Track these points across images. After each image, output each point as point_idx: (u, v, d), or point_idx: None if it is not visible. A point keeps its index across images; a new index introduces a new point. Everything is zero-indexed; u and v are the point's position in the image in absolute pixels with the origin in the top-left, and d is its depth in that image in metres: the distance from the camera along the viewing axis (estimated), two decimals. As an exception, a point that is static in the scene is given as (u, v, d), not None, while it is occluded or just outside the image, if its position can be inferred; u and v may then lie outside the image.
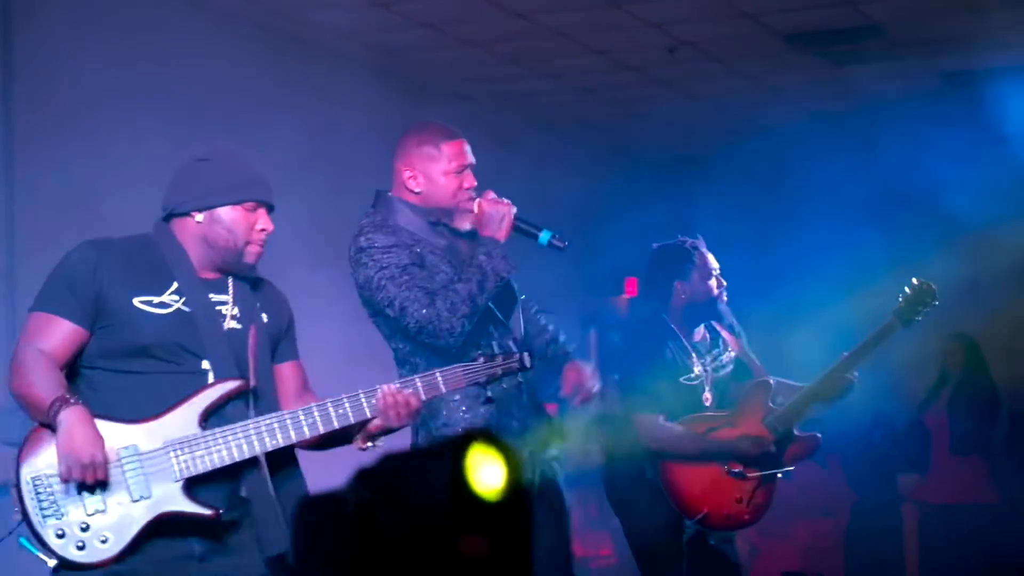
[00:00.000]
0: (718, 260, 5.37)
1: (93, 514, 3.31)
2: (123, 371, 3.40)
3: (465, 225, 4.22)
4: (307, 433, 3.44)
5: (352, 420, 3.48)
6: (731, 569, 5.29)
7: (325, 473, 1.60)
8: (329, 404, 3.47)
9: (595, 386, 4.32)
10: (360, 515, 1.34)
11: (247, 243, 3.49)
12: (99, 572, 3.33)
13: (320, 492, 1.40)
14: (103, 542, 3.31)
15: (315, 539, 1.39)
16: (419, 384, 3.56)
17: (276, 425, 3.42)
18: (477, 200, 4.21)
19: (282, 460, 3.54)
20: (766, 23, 7.25)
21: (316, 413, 3.45)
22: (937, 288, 5.19)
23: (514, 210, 4.19)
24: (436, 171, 4.19)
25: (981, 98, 7.38)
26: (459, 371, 3.64)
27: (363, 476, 1.41)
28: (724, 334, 5.38)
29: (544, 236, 4.20)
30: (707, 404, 5.26)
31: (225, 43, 6.92)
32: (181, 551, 3.40)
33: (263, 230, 3.51)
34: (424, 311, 4.03)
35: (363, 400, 3.49)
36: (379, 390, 3.50)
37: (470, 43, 7.48)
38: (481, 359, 3.67)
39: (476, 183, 4.23)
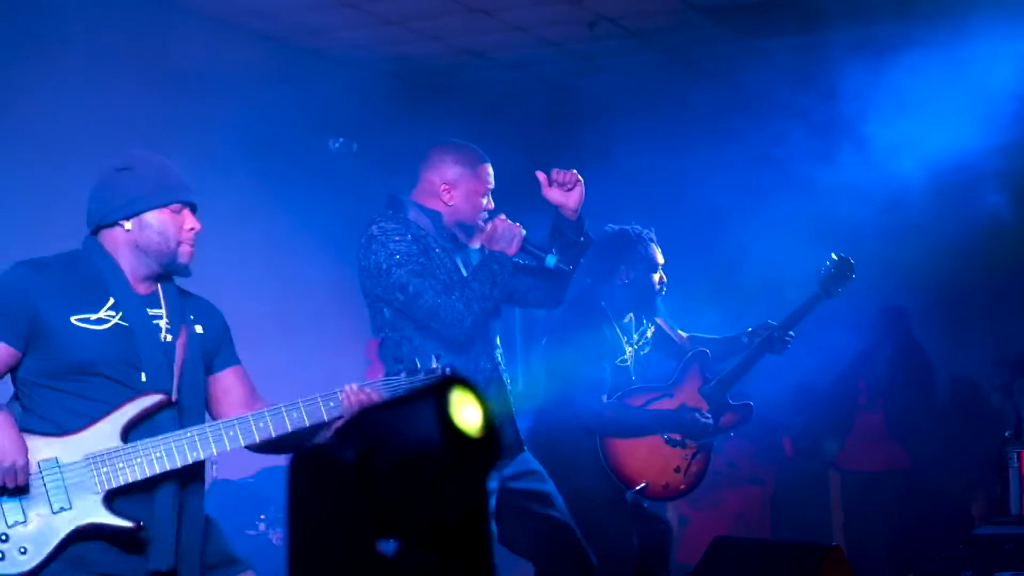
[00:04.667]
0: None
1: (13, 525, 3.32)
2: (67, 391, 3.42)
3: (475, 243, 4.61)
4: (228, 446, 3.46)
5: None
6: (663, 529, 5.45)
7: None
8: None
9: None
10: (359, 464, 1.36)
11: (179, 243, 3.54)
12: None
13: (316, 447, 1.41)
14: (22, 553, 3.31)
15: (318, 494, 1.40)
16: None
17: (196, 437, 3.44)
18: (492, 220, 4.59)
19: (191, 481, 3.56)
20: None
21: (258, 420, 3.51)
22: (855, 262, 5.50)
23: (524, 232, 4.53)
24: (470, 190, 4.59)
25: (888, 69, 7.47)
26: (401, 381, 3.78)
27: (351, 428, 1.43)
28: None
29: (550, 259, 4.53)
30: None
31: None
32: (132, 568, 3.42)
33: (192, 229, 3.57)
34: (440, 299, 4.37)
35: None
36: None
37: (388, 20, 7.45)
38: (403, 374, 3.80)
39: (494, 207, 4.63)
